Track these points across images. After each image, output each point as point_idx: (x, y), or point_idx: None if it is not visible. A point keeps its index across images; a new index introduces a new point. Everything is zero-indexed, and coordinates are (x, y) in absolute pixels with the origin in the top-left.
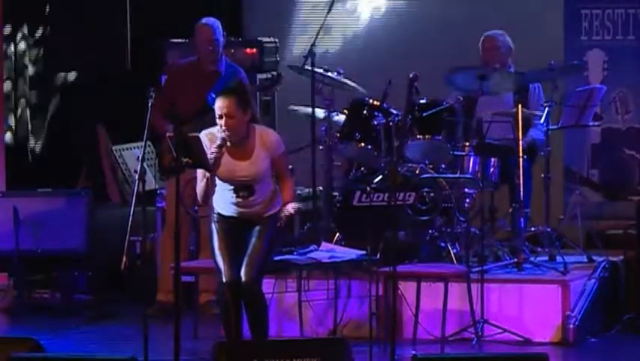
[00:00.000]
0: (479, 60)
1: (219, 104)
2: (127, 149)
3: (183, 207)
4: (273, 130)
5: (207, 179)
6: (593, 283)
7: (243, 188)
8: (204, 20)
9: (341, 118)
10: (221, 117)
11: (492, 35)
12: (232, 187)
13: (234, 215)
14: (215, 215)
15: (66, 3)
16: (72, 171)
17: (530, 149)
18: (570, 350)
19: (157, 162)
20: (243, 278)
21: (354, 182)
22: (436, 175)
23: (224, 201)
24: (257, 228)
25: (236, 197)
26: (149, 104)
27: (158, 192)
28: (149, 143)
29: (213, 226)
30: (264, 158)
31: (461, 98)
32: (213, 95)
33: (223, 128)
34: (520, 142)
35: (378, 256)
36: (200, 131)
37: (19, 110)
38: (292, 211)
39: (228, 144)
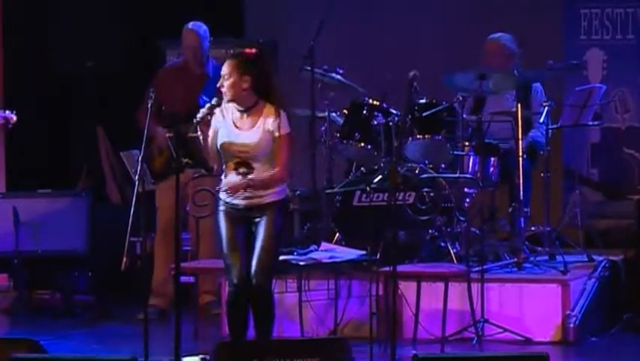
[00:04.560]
0: (479, 60)
1: (224, 66)
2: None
3: (182, 207)
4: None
5: (213, 149)
6: (593, 282)
7: (241, 164)
8: (190, 26)
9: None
10: (222, 77)
11: (495, 39)
12: (234, 166)
13: (238, 203)
14: (221, 204)
15: (65, 2)
16: (72, 171)
17: (530, 150)
18: (570, 349)
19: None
20: (254, 280)
21: (354, 182)
22: (435, 175)
23: (228, 185)
24: (262, 219)
25: (237, 174)
26: (149, 105)
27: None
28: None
29: (221, 217)
30: (265, 131)
31: (461, 98)
32: (205, 99)
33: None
34: (520, 142)
35: (378, 255)
36: (192, 132)
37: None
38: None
39: (223, 104)
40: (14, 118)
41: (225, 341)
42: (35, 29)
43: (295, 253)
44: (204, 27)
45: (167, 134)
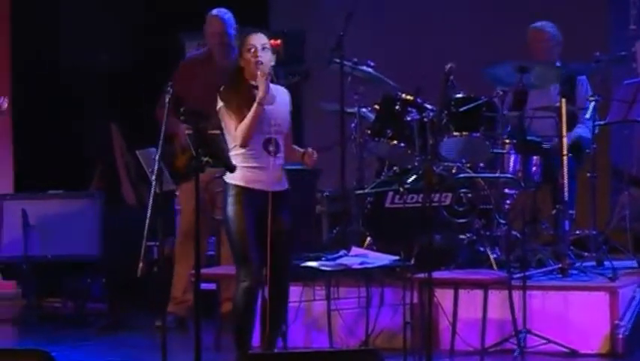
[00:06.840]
0: (520, 51)
1: (259, 38)
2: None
3: (203, 211)
4: None
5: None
6: None
7: (269, 142)
8: (215, 12)
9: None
10: (259, 50)
11: (538, 27)
12: (261, 144)
13: (260, 187)
14: (234, 191)
15: None
16: (85, 171)
17: (576, 147)
18: None
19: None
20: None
21: (387, 182)
22: (473, 175)
23: (252, 166)
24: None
25: (267, 154)
26: (166, 100)
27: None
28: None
29: (234, 207)
30: (285, 104)
31: (501, 92)
32: None
33: (261, 59)
34: (565, 138)
35: (412, 261)
36: (214, 129)
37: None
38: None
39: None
40: (5, 105)
41: (249, 353)
42: (46, 24)
43: (323, 259)
44: (229, 14)
45: (187, 132)
